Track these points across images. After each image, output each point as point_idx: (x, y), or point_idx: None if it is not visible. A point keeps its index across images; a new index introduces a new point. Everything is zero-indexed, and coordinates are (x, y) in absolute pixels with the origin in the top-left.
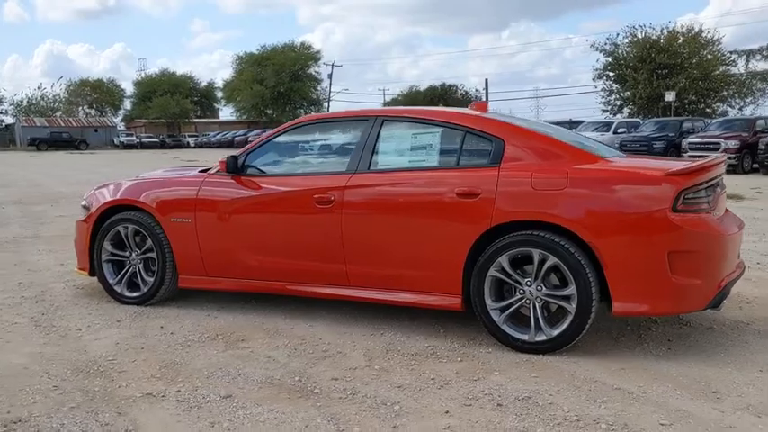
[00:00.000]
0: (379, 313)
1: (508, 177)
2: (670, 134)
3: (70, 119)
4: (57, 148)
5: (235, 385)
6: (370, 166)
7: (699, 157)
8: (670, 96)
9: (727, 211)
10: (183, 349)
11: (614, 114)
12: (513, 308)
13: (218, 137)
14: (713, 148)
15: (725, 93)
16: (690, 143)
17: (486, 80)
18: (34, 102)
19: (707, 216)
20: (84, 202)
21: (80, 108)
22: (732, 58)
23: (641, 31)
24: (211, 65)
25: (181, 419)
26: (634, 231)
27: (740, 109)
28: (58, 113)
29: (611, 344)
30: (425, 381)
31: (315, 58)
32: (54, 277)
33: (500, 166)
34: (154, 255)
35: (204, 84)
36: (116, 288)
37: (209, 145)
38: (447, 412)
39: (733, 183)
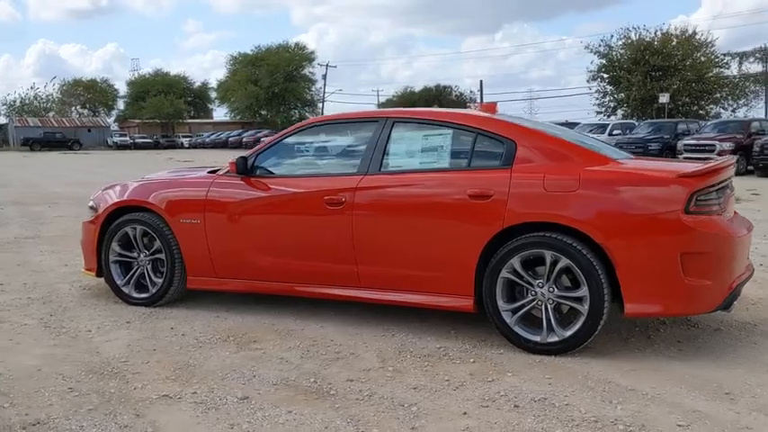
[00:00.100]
0: (387, 314)
1: (520, 179)
2: (665, 136)
3: (63, 119)
4: (50, 149)
5: (251, 387)
6: (381, 167)
7: (694, 159)
8: (664, 98)
9: (735, 213)
10: (196, 350)
11: (608, 116)
12: (525, 309)
13: (212, 137)
14: (708, 149)
15: (718, 95)
16: (685, 145)
17: (481, 81)
18: (27, 102)
19: (718, 218)
20: (91, 203)
21: (73, 108)
22: (725, 61)
23: (635, 33)
24: (205, 65)
25: (200, 421)
26: (647, 233)
27: (733, 111)
28: (51, 113)
29: (622, 345)
30: (440, 382)
31: (309, 58)
32: (59, 278)
33: (512, 168)
34: (162, 256)
35: (198, 84)
36: (124, 289)
37: (204, 145)
38: (465, 414)
39: None
